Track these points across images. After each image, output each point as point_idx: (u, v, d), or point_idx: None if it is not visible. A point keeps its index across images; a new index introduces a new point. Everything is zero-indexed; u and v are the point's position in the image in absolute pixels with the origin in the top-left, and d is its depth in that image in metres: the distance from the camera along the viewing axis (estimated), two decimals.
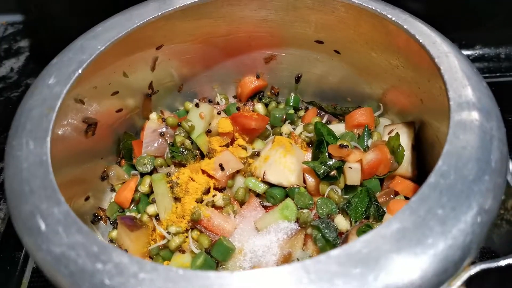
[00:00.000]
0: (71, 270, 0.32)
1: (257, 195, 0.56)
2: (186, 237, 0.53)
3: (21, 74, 0.87)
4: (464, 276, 0.33)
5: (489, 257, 0.37)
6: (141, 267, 0.31)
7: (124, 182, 0.59)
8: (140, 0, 0.55)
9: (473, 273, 0.33)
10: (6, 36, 0.96)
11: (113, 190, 0.60)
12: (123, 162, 0.62)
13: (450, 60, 0.43)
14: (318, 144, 0.56)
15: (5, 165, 0.39)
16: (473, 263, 0.34)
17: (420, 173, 0.54)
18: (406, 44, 0.48)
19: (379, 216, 0.51)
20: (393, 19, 0.47)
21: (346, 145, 0.54)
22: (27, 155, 0.39)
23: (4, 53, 0.92)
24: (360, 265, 0.30)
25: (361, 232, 0.48)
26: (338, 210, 0.53)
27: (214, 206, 0.54)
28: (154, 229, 0.54)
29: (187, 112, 0.64)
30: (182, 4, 0.53)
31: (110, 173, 0.59)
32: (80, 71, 0.45)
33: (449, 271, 0.31)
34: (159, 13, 0.52)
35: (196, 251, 0.52)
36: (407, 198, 0.54)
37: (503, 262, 0.34)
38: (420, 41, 0.45)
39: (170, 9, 0.52)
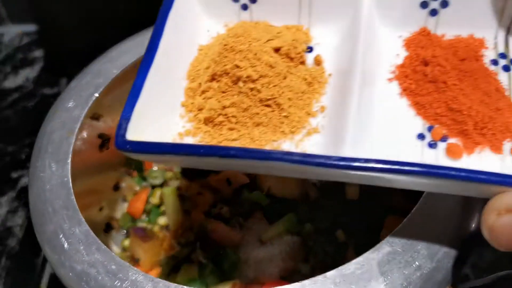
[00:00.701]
0: (91, 287, 0.35)
1: (262, 208, 0.59)
2: (195, 248, 0.56)
3: (36, 84, 0.91)
4: None
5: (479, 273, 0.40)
6: (155, 285, 0.34)
7: (135, 193, 0.63)
8: (151, 18, 0.58)
9: None
10: (21, 46, 0.99)
11: (125, 200, 0.64)
12: (134, 173, 0.65)
13: None
14: None
15: (29, 186, 0.43)
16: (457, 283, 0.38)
17: None
18: None
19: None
20: None
21: None
22: (50, 177, 0.42)
23: (20, 62, 0.96)
24: (353, 285, 0.34)
25: None
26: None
27: (221, 218, 0.58)
28: (164, 240, 0.58)
29: None
30: None
31: (122, 184, 0.63)
32: (97, 94, 0.49)
33: None
34: None
35: (204, 261, 0.55)
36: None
37: (481, 282, 0.37)
38: None
39: None
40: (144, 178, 0.63)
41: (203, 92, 0.35)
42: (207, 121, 0.34)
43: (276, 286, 0.35)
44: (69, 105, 0.48)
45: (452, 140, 0.33)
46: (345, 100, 0.33)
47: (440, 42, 0.36)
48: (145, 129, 0.32)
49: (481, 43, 0.37)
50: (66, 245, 0.38)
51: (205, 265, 0.54)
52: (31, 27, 1.02)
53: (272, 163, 0.29)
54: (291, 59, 0.36)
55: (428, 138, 0.33)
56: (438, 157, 0.32)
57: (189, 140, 0.34)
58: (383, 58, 0.37)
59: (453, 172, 0.27)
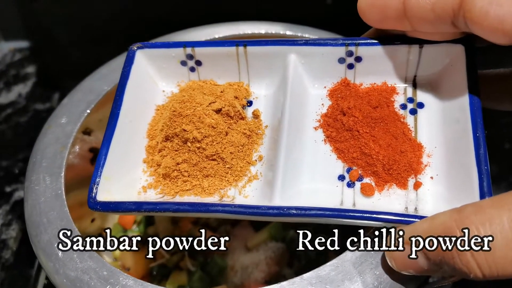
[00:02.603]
0: None
1: None
2: (183, 255, 0.59)
3: (29, 100, 0.92)
4: None
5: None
6: None
7: None
8: (144, 34, 0.61)
9: None
10: (14, 62, 1.01)
11: None
12: None
13: None
14: None
15: (25, 198, 0.45)
16: (427, 281, 0.40)
17: None
18: None
19: None
20: None
21: None
22: (44, 190, 0.45)
23: (13, 78, 0.98)
24: (328, 285, 0.36)
25: None
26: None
27: (208, 227, 0.60)
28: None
29: None
30: None
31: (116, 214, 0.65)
32: (88, 110, 0.52)
33: None
34: None
35: (192, 268, 0.57)
36: None
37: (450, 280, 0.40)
38: None
39: None
40: None
41: (160, 150, 0.41)
42: (165, 176, 0.40)
43: None
44: (62, 121, 0.50)
45: (366, 180, 0.38)
46: (276, 149, 0.38)
47: (357, 91, 0.41)
48: (112, 188, 0.38)
49: (393, 90, 0.42)
50: (60, 254, 0.40)
51: (194, 272, 0.56)
52: (23, 44, 1.04)
53: (213, 214, 0.36)
54: (231, 117, 0.41)
55: (347, 178, 0.39)
56: (355, 195, 0.38)
57: (151, 192, 0.40)
58: (311, 107, 0.42)
59: (350, 214, 0.34)
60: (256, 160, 0.41)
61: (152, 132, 0.43)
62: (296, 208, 0.34)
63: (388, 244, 0.33)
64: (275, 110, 0.42)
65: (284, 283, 0.36)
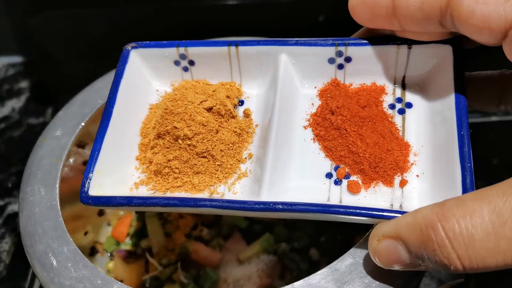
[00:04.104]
0: None
1: (240, 230, 0.62)
2: (176, 268, 0.59)
3: (22, 114, 0.93)
4: None
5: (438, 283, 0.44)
6: None
7: (119, 218, 0.66)
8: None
9: None
10: (7, 77, 1.02)
11: (109, 225, 0.66)
12: None
13: None
14: None
15: (20, 209, 0.46)
16: None
17: None
18: None
19: None
20: None
21: None
22: (40, 201, 0.45)
23: (6, 93, 0.98)
24: None
25: None
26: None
27: (201, 240, 0.61)
28: (147, 261, 0.60)
29: None
30: None
31: (107, 209, 0.66)
32: (83, 123, 0.52)
33: None
34: None
35: (185, 281, 0.58)
36: None
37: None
38: None
39: None
40: None
41: (152, 147, 0.42)
42: (156, 172, 0.41)
43: None
44: (57, 134, 0.51)
45: (353, 178, 0.39)
46: (265, 147, 0.39)
47: (347, 91, 0.42)
48: (105, 183, 0.39)
49: (382, 90, 0.42)
50: (55, 263, 0.41)
51: (187, 284, 0.56)
52: (16, 59, 1.04)
53: (201, 209, 0.36)
54: (222, 116, 0.42)
55: (335, 176, 0.39)
56: (341, 192, 0.39)
57: (143, 188, 0.41)
58: (301, 107, 0.43)
59: (334, 209, 0.35)
60: (246, 158, 0.42)
61: (145, 130, 0.44)
62: (282, 203, 0.35)
63: (371, 241, 0.34)
64: (265, 109, 0.43)
65: None
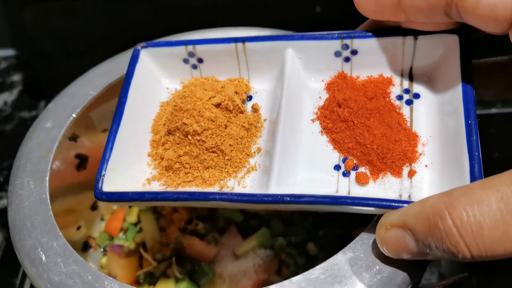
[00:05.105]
0: None
1: (236, 224, 0.61)
2: (171, 263, 0.58)
3: (14, 108, 0.92)
4: None
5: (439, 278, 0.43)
6: None
7: (113, 212, 0.64)
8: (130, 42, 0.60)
9: None
10: (0, 71, 1.01)
11: (102, 219, 0.65)
12: None
13: None
14: None
15: (8, 203, 0.44)
16: (418, 284, 0.40)
17: None
18: None
19: None
20: None
21: None
22: (29, 194, 0.44)
23: None
24: None
25: None
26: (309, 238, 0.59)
27: (196, 234, 0.60)
28: (141, 256, 0.59)
29: None
30: None
31: (100, 204, 0.64)
32: (74, 115, 0.51)
33: None
34: None
35: (180, 276, 0.57)
36: None
37: (442, 282, 0.39)
38: None
39: None
40: None
41: (163, 144, 0.43)
42: (168, 168, 0.42)
43: None
44: (47, 126, 0.50)
45: (361, 169, 0.39)
46: (273, 141, 0.40)
47: (354, 84, 0.42)
48: (118, 180, 0.40)
49: (389, 81, 0.42)
50: (44, 258, 0.39)
51: (181, 280, 0.55)
52: (9, 52, 1.03)
53: (211, 203, 0.37)
54: (230, 111, 0.42)
55: (343, 168, 0.40)
56: (350, 184, 0.39)
57: (155, 184, 0.42)
58: (308, 100, 0.44)
59: (342, 200, 0.35)
60: (254, 152, 0.42)
61: (156, 127, 0.44)
62: (291, 196, 0.35)
63: (379, 230, 0.34)
64: (273, 104, 0.43)
65: (273, 286, 0.36)
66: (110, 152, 0.40)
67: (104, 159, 0.40)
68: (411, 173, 0.38)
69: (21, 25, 0.90)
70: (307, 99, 0.43)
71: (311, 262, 0.56)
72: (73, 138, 0.56)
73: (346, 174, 0.39)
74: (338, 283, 0.36)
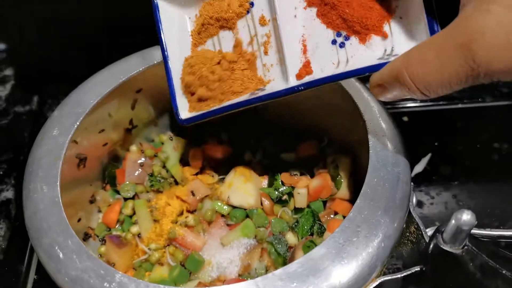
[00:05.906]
0: None
1: (222, 216, 0.67)
2: (164, 252, 0.64)
3: (8, 102, 0.93)
4: (371, 286, 0.45)
5: (398, 269, 0.50)
6: (137, 284, 0.43)
7: (109, 205, 0.70)
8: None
9: (377, 284, 0.45)
10: None
11: (100, 212, 0.71)
12: (108, 187, 0.72)
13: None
14: (273, 173, 0.68)
15: (24, 206, 0.50)
16: (383, 274, 0.47)
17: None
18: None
19: (321, 233, 0.63)
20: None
21: (296, 173, 0.66)
22: (43, 198, 0.50)
23: None
24: (295, 281, 0.42)
25: (305, 247, 0.60)
26: (288, 228, 0.65)
27: (186, 226, 0.65)
28: (137, 246, 0.65)
29: (162, 143, 0.75)
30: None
31: (97, 197, 0.70)
32: (78, 123, 0.56)
33: (359, 283, 0.44)
34: (141, 68, 0.63)
35: (173, 264, 0.63)
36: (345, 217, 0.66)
37: (399, 274, 0.46)
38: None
39: (151, 64, 0.63)
40: (117, 192, 0.71)
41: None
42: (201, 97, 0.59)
43: (234, 283, 0.43)
44: (54, 133, 0.55)
45: (352, 38, 0.49)
46: (278, 37, 0.52)
47: None
48: (185, 108, 0.59)
49: None
50: (61, 255, 0.45)
51: (174, 267, 0.61)
52: (0, 46, 1.05)
53: (252, 104, 0.54)
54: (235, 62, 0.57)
55: (338, 41, 0.50)
56: (347, 53, 0.50)
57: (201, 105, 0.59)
58: None
59: (343, 74, 0.48)
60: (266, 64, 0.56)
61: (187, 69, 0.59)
62: (303, 85, 0.50)
63: (370, 86, 0.46)
64: (270, 3, 0.53)
65: (258, 279, 0.42)
66: (174, 95, 0.59)
67: (173, 100, 0.59)
68: (390, 27, 0.48)
69: (12, 18, 0.90)
70: None
71: (289, 250, 0.62)
72: (75, 141, 0.61)
73: (342, 45, 0.50)
74: (313, 275, 0.43)
